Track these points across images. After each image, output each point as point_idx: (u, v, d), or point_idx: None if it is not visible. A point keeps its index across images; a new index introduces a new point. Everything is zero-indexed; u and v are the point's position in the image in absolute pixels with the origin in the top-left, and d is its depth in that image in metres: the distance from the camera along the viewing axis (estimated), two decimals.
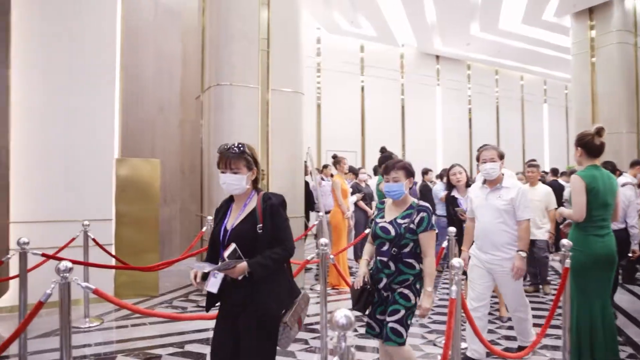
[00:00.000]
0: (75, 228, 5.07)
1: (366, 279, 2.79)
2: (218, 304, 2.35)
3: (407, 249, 2.74)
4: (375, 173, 5.94)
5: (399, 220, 2.77)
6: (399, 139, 14.28)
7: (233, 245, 2.17)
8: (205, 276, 2.26)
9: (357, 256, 8.01)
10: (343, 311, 1.22)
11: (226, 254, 2.17)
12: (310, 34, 12.30)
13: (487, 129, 16.36)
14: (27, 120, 5.37)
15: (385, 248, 2.78)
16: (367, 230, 4.09)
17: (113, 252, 5.70)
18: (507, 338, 4.38)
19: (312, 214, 8.35)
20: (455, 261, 2.48)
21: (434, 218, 2.76)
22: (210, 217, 5.65)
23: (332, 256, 3.41)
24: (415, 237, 2.73)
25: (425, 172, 9.79)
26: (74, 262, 3.56)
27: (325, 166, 8.91)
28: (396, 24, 12.59)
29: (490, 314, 4.89)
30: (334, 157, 7.06)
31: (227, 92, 6.08)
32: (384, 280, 2.77)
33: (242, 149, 2.30)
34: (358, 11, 11.61)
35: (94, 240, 4.99)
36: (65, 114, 5.52)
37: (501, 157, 3.59)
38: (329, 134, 12.76)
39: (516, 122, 17.60)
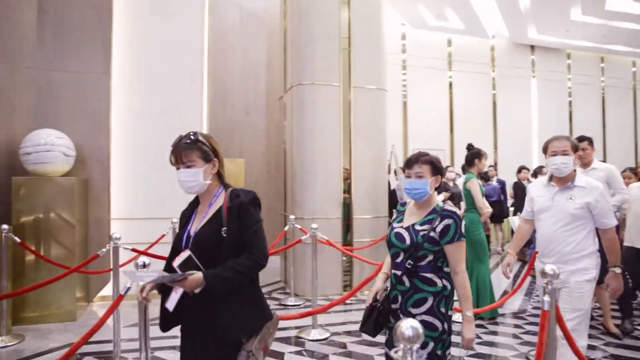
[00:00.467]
0: (167, 225, 5.34)
1: (378, 296, 2.30)
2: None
3: (424, 262, 2.20)
4: (464, 171, 5.61)
5: (418, 227, 2.24)
6: (490, 135, 13.52)
7: (187, 253, 1.85)
8: (165, 290, 1.89)
9: None
10: (410, 321, 1.09)
11: (176, 263, 1.85)
12: (395, 31, 12.04)
13: (591, 123, 14.94)
14: (125, 124, 5.78)
15: (399, 259, 2.27)
16: None
17: None
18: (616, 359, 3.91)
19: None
20: (549, 268, 2.21)
21: (463, 224, 2.22)
22: (292, 216, 5.69)
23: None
24: (437, 248, 2.19)
25: (519, 170, 9.16)
26: (161, 258, 3.73)
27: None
28: (486, 15, 11.91)
29: (593, 327, 4.41)
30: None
31: (309, 91, 6.09)
32: (399, 299, 2.25)
33: (194, 137, 1.95)
34: (445, 3, 11.15)
35: None
36: (158, 116, 5.86)
37: (575, 149, 2.98)
38: (415, 132, 12.40)
39: (627, 115, 15.93)
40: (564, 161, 2.91)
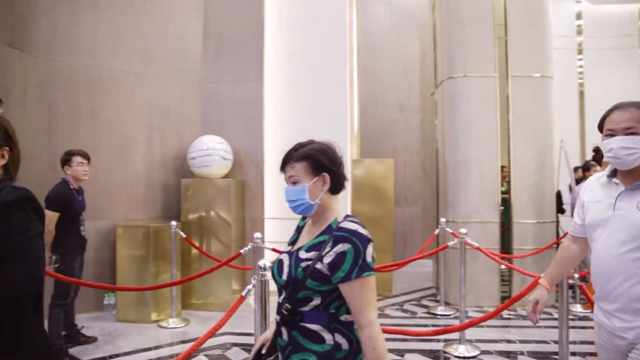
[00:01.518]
0: None
1: (263, 350, 1.61)
2: None
3: (307, 307, 1.48)
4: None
5: (302, 254, 1.51)
6: None
7: None
8: None
9: None
10: None
11: None
12: (566, 10, 10.60)
13: None
14: (276, 128, 6.05)
15: (281, 299, 1.57)
16: None
17: None
18: None
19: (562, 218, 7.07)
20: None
21: (369, 250, 1.47)
22: (443, 219, 5.31)
23: (576, 275, 2.68)
24: (327, 287, 1.45)
25: None
26: None
27: (586, 167, 7.44)
28: None
29: None
30: (596, 150, 5.79)
31: (461, 84, 5.63)
32: (279, 358, 1.57)
33: None
34: None
35: None
36: (307, 119, 6.00)
37: None
38: (595, 125, 10.76)
39: None
40: (627, 143, 1.70)
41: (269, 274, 2.41)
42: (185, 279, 4.24)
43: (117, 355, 3.94)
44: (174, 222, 4.92)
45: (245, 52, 5.97)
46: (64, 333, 4.02)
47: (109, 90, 5.33)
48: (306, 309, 1.48)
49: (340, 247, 1.43)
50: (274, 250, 4.21)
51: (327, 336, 1.46)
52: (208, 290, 5.34)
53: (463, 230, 4.38)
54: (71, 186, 3.93)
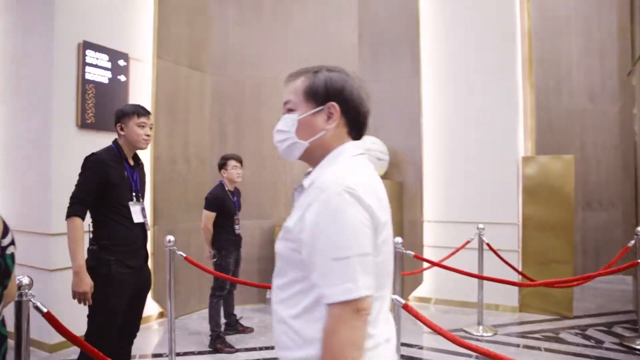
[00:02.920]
0: (472, 230, 4.94)
1: None
2: None
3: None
4: None
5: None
6: None
7: None
8: None
9: None
10: None
11: None
12: None
13: None
14: (436, 125, 5.69)
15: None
16: None
17: (518, 260, 5.24)
18: None
19: None
20: None
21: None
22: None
23: None
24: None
25: None
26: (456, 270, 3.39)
27: None
28: None
29: None
30: None
31: None
32: None
33: None
34: None
35: (487, 245, 4.70)
36: (470, 115, 5.51)
37: None
38: None
39: None
40: (279, 127, 1.28)
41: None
42: None
43: (267, 348, 4.17)
44: None
45: (401, 49, 5.78)
46: (224, 321, 4.43)
47: (271, 99, 5.72)
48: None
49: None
50: (416, 256, 3.93)
51: None
52: None
53: None
54: (226, 188, 4.30)
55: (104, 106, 4.32)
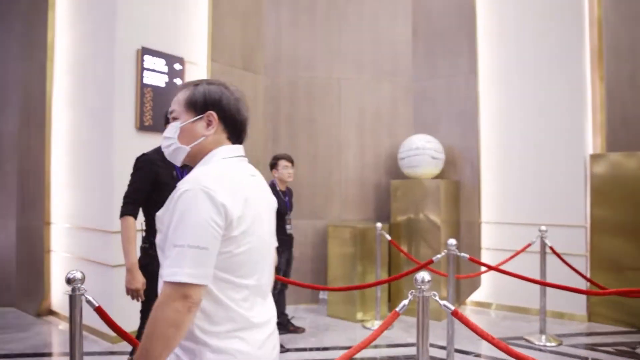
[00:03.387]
0: (534, 233, 4.66)
1: None
2: None
3: None
4: None
5: None
6: None
7: None
8: None
9: None
10: None
11: None
12: None
13: None
14: (494, 123, 5.44)
15: None
16: None
17: (586, 265, 4.89)
18: None
19: None
20: None
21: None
22: None
23: None
24: None
25: None
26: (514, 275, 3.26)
27: None
28: None
29: None
30: None
31: None
32: None
33: None
34: None
35: (550, 248, 4.41)
36: (530, 109, 5.22)
37: None
38: None
39: None
40: (165, 134, 1.47)
41: (426, 288, 2.14)
42: (381, 281, 4.19)
43: (317, 349, 4.15)
44: (379, 224, 4.92)
45: (457, 43, 5.57)
46: (276, 321, 4.46)
47: (324, 98, 5.71)
48: None
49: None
50: (470, 259, 3.75)
51: None
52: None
53: None
54: (277, 188, 4.32)
55: (161, 109, 4.48)
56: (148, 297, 2.68)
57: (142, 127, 4.37)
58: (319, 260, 5.55)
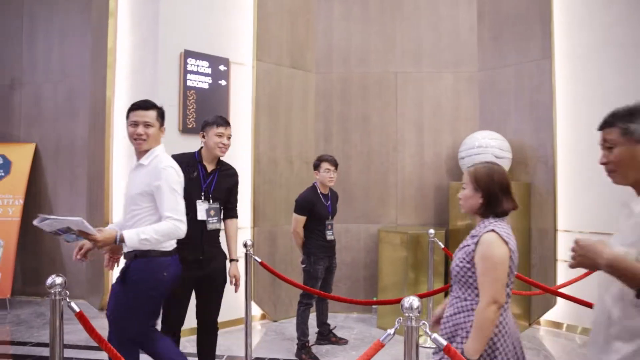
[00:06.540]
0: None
1: None
2: None
3: None
4: None
5: None
6: None
7: None
8: None
9: None
10: None
11: None
12: None
13: None
14: (573, 117, 4.70)
15: None
16: None
17: None
18: None
19: None
20: None
21: None
22: None
23: None
24: None
25: None
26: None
27: None
28: None
29: None
30: None
31: None
32: None
33: None
34: None
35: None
36: (613, 102, 4.42)
37: None
38: None
39: None
40: None
41: (415, 316, 1.81)
42: (430, 292, 3.81)
43: None
44: (431, 230, 4.48)
45: (528, 27, 4.93)
46: (317, 330, 4.25)
47: (379, 94, 5.38)
48: None
49: None
50: (517, 276, 3.22)
51: None
52: None
53: None
54: (318, 191, 4.09)
55: (205, 111, 4.48)
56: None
57: (185, 129, 4.41)
58: (373, 266, 5.23)
